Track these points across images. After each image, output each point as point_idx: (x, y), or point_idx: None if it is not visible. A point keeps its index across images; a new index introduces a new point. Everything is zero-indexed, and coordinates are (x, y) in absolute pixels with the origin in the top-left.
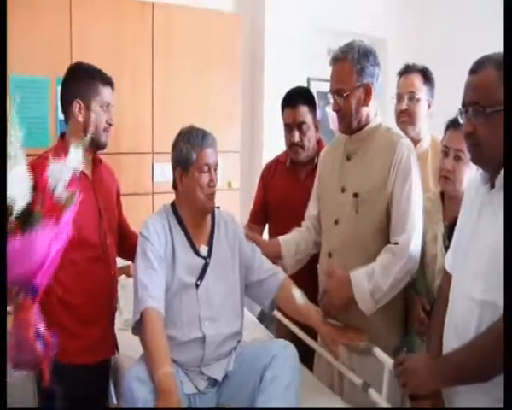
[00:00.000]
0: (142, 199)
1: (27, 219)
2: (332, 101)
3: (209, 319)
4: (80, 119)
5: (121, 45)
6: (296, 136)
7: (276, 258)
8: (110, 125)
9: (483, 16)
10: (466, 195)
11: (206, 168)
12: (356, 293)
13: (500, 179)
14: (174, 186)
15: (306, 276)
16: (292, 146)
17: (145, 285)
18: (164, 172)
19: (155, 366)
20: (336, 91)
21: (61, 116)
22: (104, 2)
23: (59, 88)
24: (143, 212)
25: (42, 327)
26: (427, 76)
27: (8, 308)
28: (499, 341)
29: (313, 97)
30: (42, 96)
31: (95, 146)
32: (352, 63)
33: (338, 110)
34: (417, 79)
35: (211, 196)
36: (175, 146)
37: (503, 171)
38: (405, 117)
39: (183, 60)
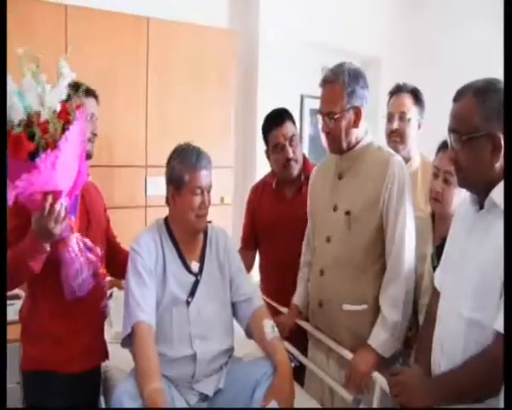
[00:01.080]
0: (135, 212)
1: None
2: (322, 122)
3: (200, 337)
4: None
5: (116, 59)
6: (290, 151)
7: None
8: (94, 135)
9: (476, 37)
10: (456, 215)
11: (198, 191)
12: (378, 349)
13: (489, 201)
14: (167, 202)
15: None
16: (287, 163)
17: (136, 299)
18: (157, 185)
19: (144, 382)
20: (326, 114)
21: None
22: (100, 15)
23: None
24: (136, 225)
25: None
26: (417, 96)
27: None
28: (494, 364)
29: (291, 115)
30: None
31: None
32: (343, 86)
33: (328, 132)
34: (408, 100)
35: (202, 218)
36: (169, 163)
37: (491, 193)
38: (396, 137)
39: (178, 74)
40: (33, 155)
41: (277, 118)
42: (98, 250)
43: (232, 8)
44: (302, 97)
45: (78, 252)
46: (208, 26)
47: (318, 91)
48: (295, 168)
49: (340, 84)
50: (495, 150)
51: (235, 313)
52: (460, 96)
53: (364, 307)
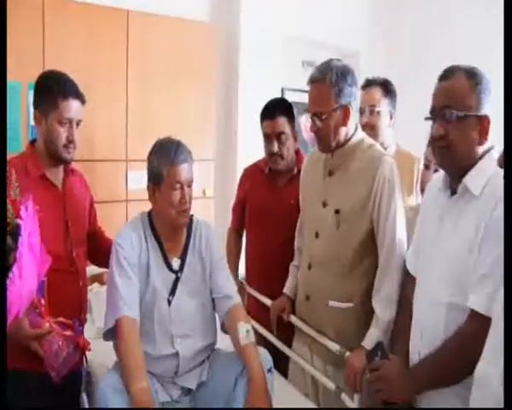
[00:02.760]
0: (116, 206)
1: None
2: (310, 122)
3: (181, 336)
4: (39, 130)
5: (95, 51)
6: (275, 146)
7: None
8: (70, 141)
9: (454, 28)
10: (424, 200)
11: (177, 186)
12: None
13: (462, 186)
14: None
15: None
16: (271, 156)
17: (120, 293)
18: (138, 179)
19: (131, 380)
20: (314, 114)
21: (33, 122)
22: (79, 8)
23: (31, 93)
24: (117, 219)
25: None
26: (387, 89)
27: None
28: (467, 343)
29: (292, 108)
30: (13, 101)
31: (57, 161)
32: (331, 85)
33: (316, 131)
34: (378, 93)
35: (182, 213)
36: (149, 158)
37: (465, 178)
38: (368, 130)
39: (158, 68)
40: None
41: (271, 110)
42: (75, 324)
43: (213, 2)
44: (283, 90)
45: (54, 335)
46: (188, 20)
47: (299, 84)
48: (279, 163)
49: (327, 84)
50: (482, 132)
51: (214, 308)
52: (451, 74)
53: (350, 305)
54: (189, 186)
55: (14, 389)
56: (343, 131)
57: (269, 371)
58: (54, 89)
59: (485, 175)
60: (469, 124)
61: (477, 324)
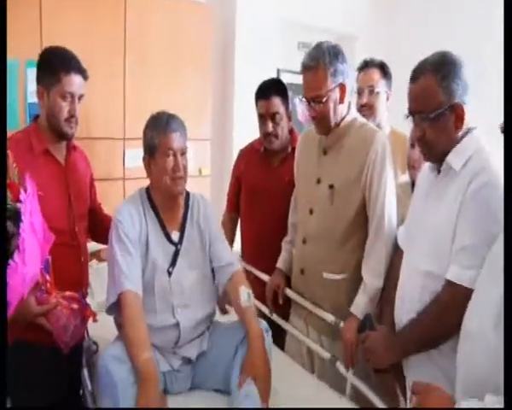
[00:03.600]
0: (113, 184)
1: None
2: (308, 108)
3: (182, 306)
4: (42, 105)
5: (93, 30)
6: (270, 126)
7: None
8: (72, 116)
9: (449, 15)
10: (417, 181)
11: (170, 153)
12: (359, 315)
13: (445, 164)
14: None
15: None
16: (266, 135)
17: (122, 268)
18: (135, 157)
19: (135, 352)
20: (313, 99)
21: (30, 99)
22: None
23: (28, 70)
24: (115, 197)
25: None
26: (384, 70)
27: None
28: (443, 310)
29: (286, 89)
30: (11, 78)
31: (58, 136)
32: (325, 68)
33: (316, 116)
34: (376, 74)
35: (177, 181)
36: (144, 132)
37: (447, 157)
38: (366, 110)
39: (156, 49)
40: None
41: (266, 91)
42: (80, 295)
43: None
44: (278, 71)
45: (61, 309)
46: (186, 1)
47: (294, 66)
48: (274, 143)
49: (322, 67)
50: (458, 120)
51: (213, 278)
52: (418, 75)
53: (344, 276)
54: (183, 154)
55: (23, 361)
56: (340, 109)
57: (266, 331)
58: (56, 63)
59: (466, 153)
60: (443, 118)
61: (454, 292)
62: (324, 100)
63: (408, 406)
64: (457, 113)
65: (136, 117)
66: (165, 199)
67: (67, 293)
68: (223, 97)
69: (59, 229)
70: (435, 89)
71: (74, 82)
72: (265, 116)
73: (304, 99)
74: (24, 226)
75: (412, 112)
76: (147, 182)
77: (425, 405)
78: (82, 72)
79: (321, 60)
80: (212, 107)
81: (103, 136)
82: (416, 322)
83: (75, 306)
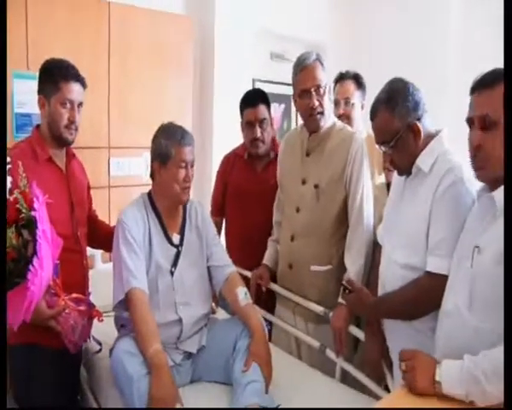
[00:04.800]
0: (99, 192)
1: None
2: (306, 100)
3: (183, 304)
4: (43, 114)
5: (78, 41)
6: (258, 131)
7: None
8: (71, 122)
9: (417, 21)
10: (392, 182)
11: (183, 164)
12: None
13: (415, 167)
14: (152, 177)
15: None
16: (253, 141)
17: (129, 267)
18: (120, 166)
19: (146, 344)
20: (316, 88)
21: (17, 109)
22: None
23: (15, 81)
24: (101, 204)
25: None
26: (359, 81)
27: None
28: (419, 292)
29: (268, 98)
30: None
31: (59, 142)
32: (321, 64)
33: (314, 108)
34: (351, 86)
35: (185, 190)
36: (155, 140)
37: (417, 160)
38: (343, 120)
39: (139, 58)
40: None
41: (253, 100)
42: (86, 297)
43: None
44: (253, 81)
45: (69, 311)
46: (167, 12)
47: (268, 76)
48: (261, 147)
49: (319, 63)
50: (416, 136)
51: (210, 279)
52: (374, 113)
53: (329, 267)
54: (192, 166)
55: (27, 362)
56: (328, 109)
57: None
58: (55, 72)
59: (434, 154)
60: (403, 141)
61: (433, 280)
62: (323, 91)
63: (394, 382)
64: (413, 130)
65: (121, 126)
66: (168, 205)
67: (74, 295)
68: (202, 105)
69: (63, 234)
70: (390, 120)
71: (73, 90)
72: (254, 123)
73: (303, 94)
74: (40, 233)
75: (378, 143)
76: (131, 190)
77: (413, 368)
78: (80, 80)
79: (317, 57)
80: (192, 114)
81: (89, 145)
82: (395, 294)
83: (82, 307)
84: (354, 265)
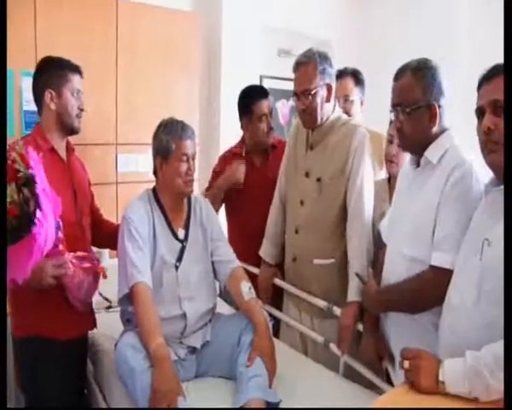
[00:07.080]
0: (106, 188)
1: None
2: (297, 102)
3: (188, 298)
4: (53, 107)
5: (86, 39)
6: (271, 121)
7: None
8: (81, 110)
9: (422, 21)
10: (399, 175)
11: (184, 158)
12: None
13: (424, 158)
14: (155, 173)
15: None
16: (269, 131)
17: (133, 262)
18: (127, 162)
19: (149, 338)
20: (302, 92)
21: (26, 107)
22: None
23: (24, 79)
24: (108, 201)
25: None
26: (358, 78)
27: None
28: (423, 285)
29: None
30: (7, 87)
31: (69, 132)
32: (315, 65)
33: (304, 109)
34: (350, 83)
35: (188, 183)
36: (155, 136)
37: (426, 152)
38: None
39: (146, 55)
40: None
41: (262, 92)
42: (91, 254)
43: None
44: (261, 78)
45: (74, 269)
46: (174, 9)
47: (275, 72)
48: (271, 136)
49: (313, 63)
50: (432, 118)
51: (214, 273)
52: (400, 75)
53: (332, 260)
54: (193, 159)
55: (35, 354)
56: (326, 107)
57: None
58: (63, 65)
59: (443, 148)
60: (419, 114)
61: (437, 274)
62: (313, 93)
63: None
64: (431, 111)
65: (128, 123)
66: (172, 199)
67: (79, 253)
68: (210, 101)
69: (69, 221)
70: (413, 87)
71: (78, 80)
72: (267, 114)
73: (294, 96)
74: (39, 189)
75: (393, 105)
76: (139, 186)
77: (417, 368)
78: (79, 71)
79: (312, 58)
80: (200, 111)
81: (96, 142)
82: (400, 286)
83: (86, 265)
84: (357, 259)
